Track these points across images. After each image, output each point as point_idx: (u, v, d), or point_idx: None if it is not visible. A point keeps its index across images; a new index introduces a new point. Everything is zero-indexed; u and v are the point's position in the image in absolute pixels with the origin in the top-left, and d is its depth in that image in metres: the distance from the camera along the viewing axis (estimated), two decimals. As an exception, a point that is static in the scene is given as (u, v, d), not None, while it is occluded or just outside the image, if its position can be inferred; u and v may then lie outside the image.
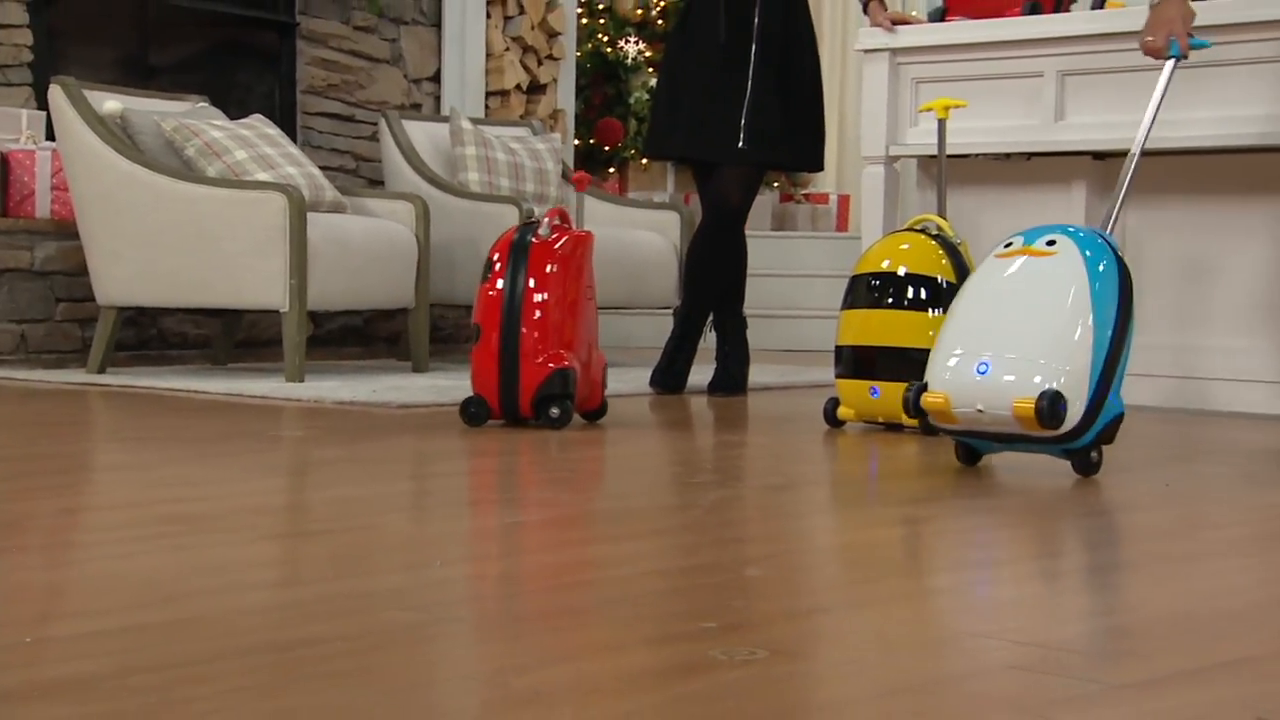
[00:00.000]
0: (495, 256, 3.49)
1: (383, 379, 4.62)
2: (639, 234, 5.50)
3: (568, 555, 2.09)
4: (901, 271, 3.60)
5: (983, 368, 2.77)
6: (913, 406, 2.87)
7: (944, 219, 3.76)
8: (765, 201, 7.92)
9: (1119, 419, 2.81)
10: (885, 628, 1.69)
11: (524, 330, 3.42)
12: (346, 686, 1.36)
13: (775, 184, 8.19)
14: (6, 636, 1.53)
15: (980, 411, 2.76)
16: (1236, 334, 4.19)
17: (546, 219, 3.51)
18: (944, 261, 3.60)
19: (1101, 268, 2.81)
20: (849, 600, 1.85)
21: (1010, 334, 2.79)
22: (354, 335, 5.72)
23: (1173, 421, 3.99)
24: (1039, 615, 1.76)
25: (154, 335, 5.17)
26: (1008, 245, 2.91)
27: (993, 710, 1.34)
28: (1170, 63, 3.49)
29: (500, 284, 3.45)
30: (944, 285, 3.56)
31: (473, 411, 3.45)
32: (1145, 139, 3.48)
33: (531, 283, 3.44)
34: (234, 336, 5.19)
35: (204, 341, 5.27)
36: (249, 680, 1.37)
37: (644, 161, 7.68)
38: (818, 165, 4.64)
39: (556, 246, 3.47)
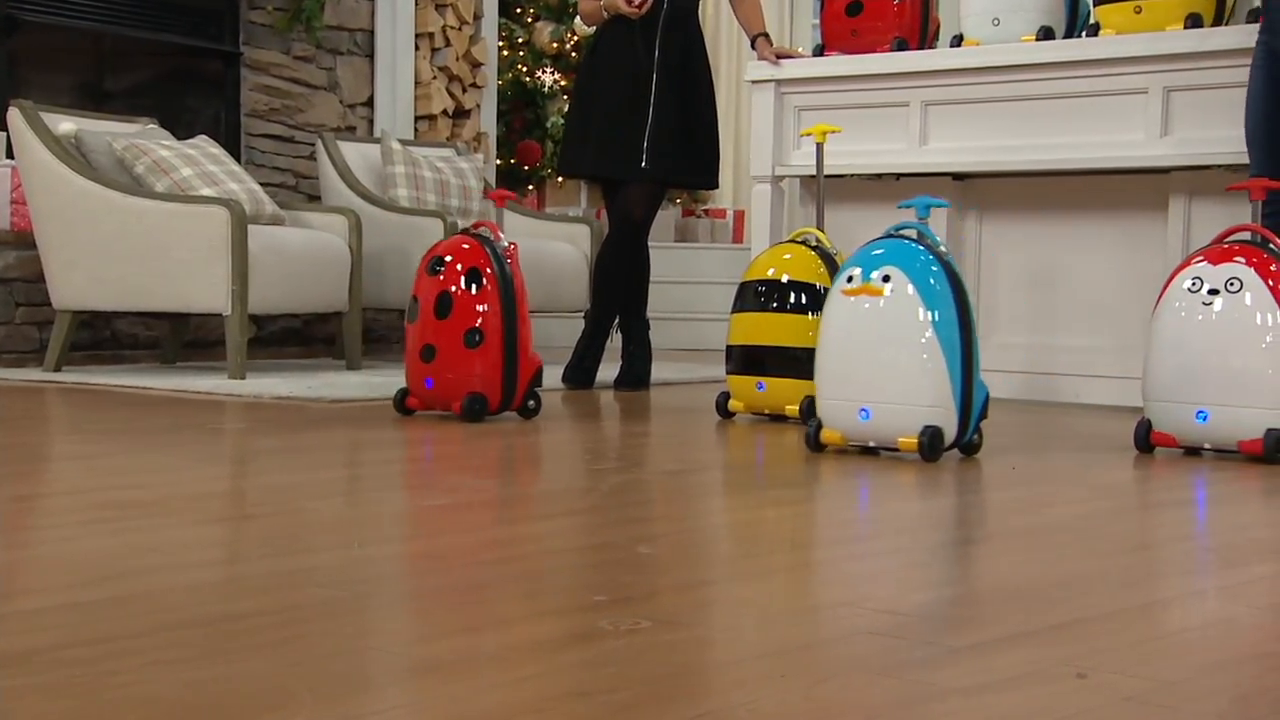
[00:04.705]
0: (484, 265, 3.41)
1: (319, 376, 4.57)
2: (553, 245, 5.48)
3: (476, 536, 2.08)
4: (785, 279, 3.62)
5: (864, 414, 2.90)
6: (814, 440, 2.98)
7: (823, 232, 3.78)
8: (669, 216, 7.92)
9: (987, 398, 2.95)
10: (760, 599, 1.70)
11: (519, 331, 3.45)
12: (264, 658, 1.34)
13: (678, 200, 8.21)
14: (-50, 616, 1.49)
15: (872, 445, 2.95)
16: (1081, 334, 4.26)
17: (488, 229, 3.49)
18: (822, 270, 3.62)
19: (932, 283, 2.83)
20: (730, 574, 1.85)
21: (879, 384, 2.87)
22: (294, 336, 5.65)
23: (1023, 412, 4.05)
24: (895, 586, 1.77)
25: (108, 336, 5.07)
26: (849, 280, 2.91)
27: (848, 670, 1.35)
28: None
29: (487, 289, 3.40)
30: (822, 291, 3.59)
31: (477, 409, 3.42)
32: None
33: (517, 289, 3.46)
34: (182, 337, 5.11)
35: (154, 342, 5.18)
36: (174, 654, 1.35)
37: (560, 179, 7.65)
38: (713, 183, 4.65)
39: (514, 256, 3.50)
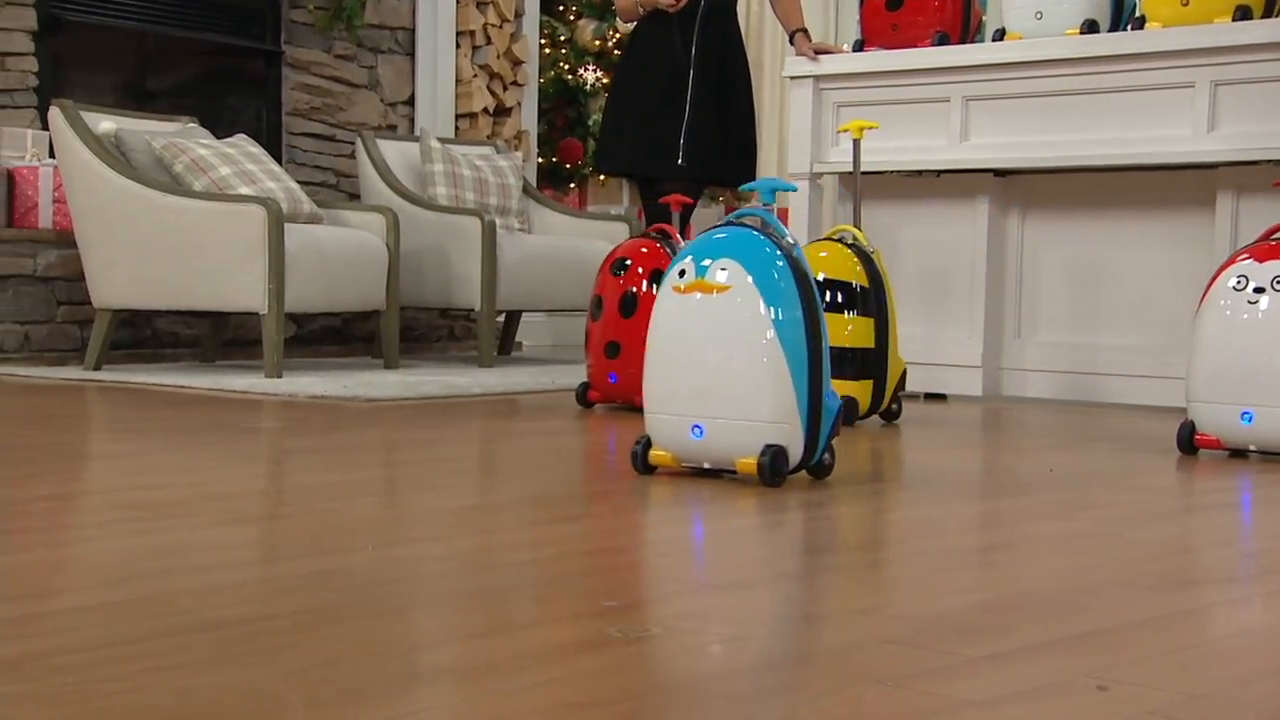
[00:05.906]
0: (665, 266, 3.52)
1: (356, 375, 4.57)
2: (594, 243, 5.45)
3: (497, 539, 2.05)
4: (821, 277, 3.57)
5: (697, 432, 2.49)
6: (641, 461, 2.57)
7: (859, 229, 3.73)
8: (711, 213, 7.88)
9: (839, 413, 2.53)
10: (776, 605, 1.66)
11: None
12: (265, 665, 1.32)
13: (720, 198, 8.17)
14: (-48, 618, 1.48)
15: (707, 466, 2.54)
16: (1124, 333, 4.18)
17: (668, 231, 3.70)
18: (858, 268, 3.57)
19: (776, 278, 2.41)
20: (746, 580, 1.81)
21: (713, 395, 2.46)
22: (333, 335, 5.66)
23: (1064, 412, 3.98)
24: (916, 592, 1.73)
25: (149, 335, 5.10)
26: (682, 274, 2.48)
27: (858, 681, 1.31)
28: None
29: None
30: (858, 289, 3.55)
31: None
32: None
33: None
34: (222, 336, 5.13)
35: (194, 341, 5.20)
36: (172, 660, 1.33)
37: (601, 178, 7.63)
38: (749, 181, 4.61)
39: None
